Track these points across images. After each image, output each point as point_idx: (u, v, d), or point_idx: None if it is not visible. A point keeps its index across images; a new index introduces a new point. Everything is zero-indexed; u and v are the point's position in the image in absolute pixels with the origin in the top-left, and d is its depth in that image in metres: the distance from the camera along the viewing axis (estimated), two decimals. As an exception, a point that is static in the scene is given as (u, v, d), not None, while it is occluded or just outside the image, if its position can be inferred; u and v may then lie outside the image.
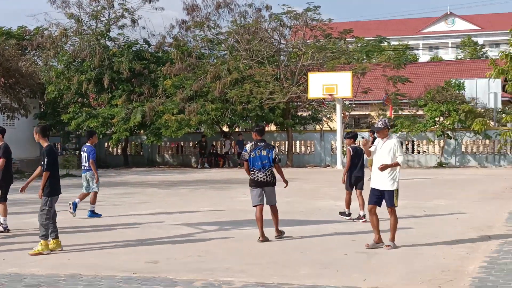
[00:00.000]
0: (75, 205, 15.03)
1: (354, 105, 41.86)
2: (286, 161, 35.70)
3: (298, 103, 39.95)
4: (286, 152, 37.50)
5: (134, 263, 9.71)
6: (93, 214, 15.28)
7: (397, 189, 10.73)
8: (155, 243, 11.62)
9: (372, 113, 48.27)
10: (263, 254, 10.21)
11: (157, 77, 38.18)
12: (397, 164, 10.64)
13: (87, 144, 15.70)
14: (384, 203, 10.81)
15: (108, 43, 40.10)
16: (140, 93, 37.62)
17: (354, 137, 14.74)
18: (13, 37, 38.40)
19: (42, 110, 41.97)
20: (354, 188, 14.50)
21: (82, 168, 15.65)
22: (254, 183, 11.74)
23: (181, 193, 21.45)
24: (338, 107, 34.98)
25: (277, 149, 11.90)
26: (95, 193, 15.43)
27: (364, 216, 13.89)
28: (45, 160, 10.87)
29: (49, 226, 10.76)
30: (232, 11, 38.90)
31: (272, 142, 37.79)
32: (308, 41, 38.54)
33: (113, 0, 39.12)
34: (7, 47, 33.05)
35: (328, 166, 36.71)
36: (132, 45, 40.15)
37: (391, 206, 10.73)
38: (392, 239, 10.75)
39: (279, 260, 9.85)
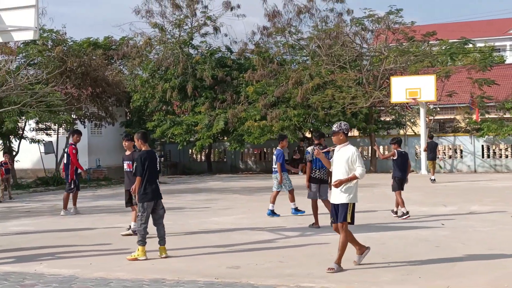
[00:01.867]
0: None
1: (438, 109, 41.17)
2: (369, 167, 35.30)
3: (381, 108, 39.56)
4: (370, 158, 37.10)
5: (216, 268, 9.82)
6: (296, 211, 16.59)
7: (353, 203, 9.62)
8: (237, 249, 11.73)
9: (458, 117, 47.29)
10: (344, 260, 10.17)
11: (239, 83, 38.50)
12: (354, 178, 9.52)
13: (277, 147, 16.84)
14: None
15: (191, 51, 40.70)
16: (222, 100, 37.99)
17: (398, 142, 16.42)
18: (99, 47, 39.43)
19: (128, 118, 42.92)
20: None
21: (273, 169, 16.99)
22: (314, 180, 14.21)
23: (264, 199, 21.46)
24: (422, 111, 34.44)
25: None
26: (290, 191, 16.60)
27: (407, 213, 15.49)
28: (134, 165, 11.12)
29: (146, 232, 10.87)
30: (313, 16, 38.89)
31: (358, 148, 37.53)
32: (390, 44, 38.11)
33: (195, 9, 39.65)
34: (94, 57, 33.94)
35: (413, 171, 36.11)
36: (215, 52, 40.62)
37: (342, 221, 9.56)
38: (338, 261, 9.48)
39: (360, 265, 9.78)
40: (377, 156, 35.32)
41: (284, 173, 16.54)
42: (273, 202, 16.44)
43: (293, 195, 16.68)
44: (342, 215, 9.54)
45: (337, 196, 9.62)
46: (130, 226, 13.41)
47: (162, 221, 11.13)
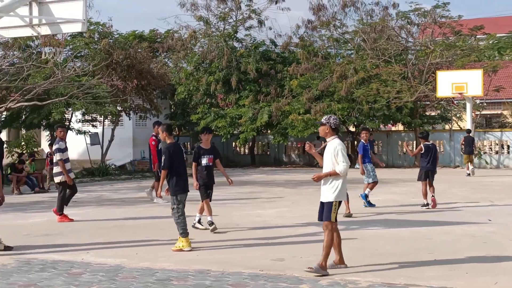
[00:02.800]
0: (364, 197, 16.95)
1: (485, 104, 40.59)
2: (414, 161, 35.01)
3: (426, 102, 39.15)
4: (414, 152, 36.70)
5: (260, 260, 9.83)
6: (369, 204, 16.88)
7: (337, 202, 9.12)
8: (281, 241, 11.72)
9: (505, 112, 46.64)
10: (389, 254, 10.08)
11: (283, 77, 38.46)
12: (334, 174, 9.03)
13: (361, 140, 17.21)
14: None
15: (236, 44, 40.79)
16: (266, 93, 38.01)
17: (425, 136, 17.16)
18: (145, 40, 39.75)
19: (172, 110, 43.24)
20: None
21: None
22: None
23: (307, 192, 21.48)
24: (468, 106, 33.99)
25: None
26: (373, 182, 16.87)
27: (427, 204, 16.46)
28: (162, 158, 11.09)
29: (184, 223, 10.90)
30: (358, 9, 38.73)
31: (400, 142, 37.30)
32: (436, 38, 37.65)
33: (240, 2, 39.75)
34: (139, 50, 34.22)
35: (458, 166, 35.74)
36: (259, 45, 40.63)
37: (326, 220, 9.14)
38: (321, 263, 8.87)
39: (405, 260, 9.68)
40: (405, 151, 35.05)
41: (368, 164, 16.62)
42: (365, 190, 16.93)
43: (372, 187, 16.91)
44: (326, 214, 9.10)
45: (323, 193, 9.19)
46: (199, 219, 13.27)
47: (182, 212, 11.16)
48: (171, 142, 11.25)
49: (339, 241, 9.27)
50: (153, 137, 18.24)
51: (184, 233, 10.85)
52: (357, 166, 16.73)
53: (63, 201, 14.79)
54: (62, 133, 15.00)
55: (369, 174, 16.65)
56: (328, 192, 9.13)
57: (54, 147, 14.85)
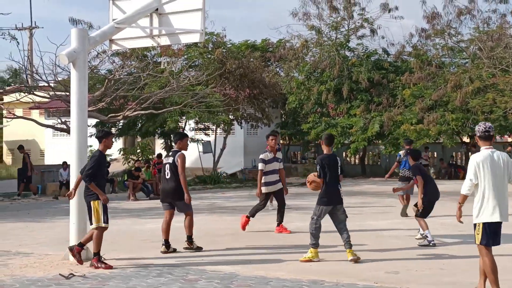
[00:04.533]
0: None
1: None
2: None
3: (547, 112, 37.69)
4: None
5: (374, 272, 9.73)
6: None
7: (481, 223, 8.09)
8: (394, 254, 11.55)
9: None
10: (509, 271, 9.75)
11: (395, 86, 37.96)
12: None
13: None
14: None
15: (347, 53, 40.58)
16: (378, 102, 37.62)
17: None
18: (257, 50, 40.20)
19: (283, 119, 43.48)
20: None
21: None
22: (402, 179, 18.18)
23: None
24: None
25: None
26: None
27: None
28: (317, 167, 10.97)
29: (318, 235, 10.87)
30: (474, 17, 37.76)
31: (517, 154, 36.01)
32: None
33: (352, 11, 39.56)
34: (252, 59, 34.62)
35: None
36: (371, 54, 40.29)
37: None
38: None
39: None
40: None
41: None
42: None
43: None
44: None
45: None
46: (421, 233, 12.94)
47: (343, 225, 10.94)
48: (328, 153, 11.14)
49: (487, 268, 8.08)
50: None
51: (315, 245, 10.83)
52: None
53: (257, 209, 14.61)
54: (273, 141, 14.48)
55: None
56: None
57: (260, 156, 14.34)
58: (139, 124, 33.92)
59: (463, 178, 30.20)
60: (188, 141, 13.21)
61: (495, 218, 8.02)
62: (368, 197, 24.54)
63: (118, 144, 38.30)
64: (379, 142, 39.35)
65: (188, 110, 29.40)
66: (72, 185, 10.92)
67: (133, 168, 27.27)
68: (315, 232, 10.84)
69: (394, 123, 35.71)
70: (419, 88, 36.41)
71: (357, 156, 41.75)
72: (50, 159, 42.57)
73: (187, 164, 29.83)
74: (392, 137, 36.05)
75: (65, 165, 25.99)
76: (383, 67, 38.81)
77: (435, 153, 39.71)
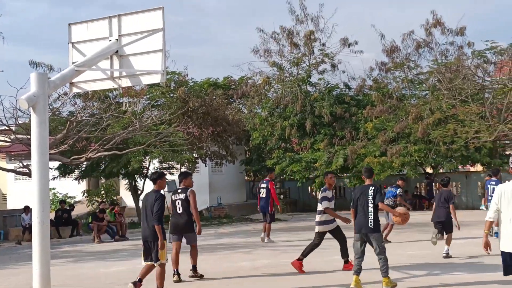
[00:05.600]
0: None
1: None
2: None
3: (506, 141, 38.27)
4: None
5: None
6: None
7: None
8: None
9: None
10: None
11: (358, 120, 38.28)
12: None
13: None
14: None
15: (309, 88, 40.85)
16: (341, 136, 37.86)
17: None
18: (219, 87, 40.29)
19: (247, 156, 43.51)
20: None
21: (490, 197, 18.57)
22: None
23: (391, 237, 21.12)
24: (551, 144, 33.07)
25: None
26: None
27: None
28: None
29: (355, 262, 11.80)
30: (432, 50, 38.32)
31: (479, 183, 36.46)
32: (514, 76, 36.85)
33: (313, 47, 39.90)
34: (214, 97, 34.67)
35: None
36: (333, 89, 40.64)
37: None
38: None
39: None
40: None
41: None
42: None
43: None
44: None
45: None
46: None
47: (376, 253, 11.59)
48: (368, 183, 11.94)
49: None
50: (273, 182, 21.47)
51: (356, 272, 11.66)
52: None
53: (310, 249, 14.24)
54: (332, 179, 14.37)
55: None
56: None
57: (320, 195, 14.21)
58: (103, 165, 33.60)
59: (428, 208, 30.35)
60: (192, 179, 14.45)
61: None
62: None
63: (81, 186, 37.93)
64: (344, 175, 39.53)
65: (152, 150, 29.25)
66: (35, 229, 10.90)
67: (97, 210, 26.98)
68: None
69: (357, 156, 35.92)
70: (381, 121, 36.75)
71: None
72: (13, 203, 41.93)
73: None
74: (356, 170, 36.20)
75: (27, 210, 25.65)
76: (345, 101, 39.15)
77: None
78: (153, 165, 34.33)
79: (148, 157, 32.02)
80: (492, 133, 33.98)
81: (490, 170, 25.64)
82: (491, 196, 18.23)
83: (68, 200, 35.98)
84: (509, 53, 35.81)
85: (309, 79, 40.64)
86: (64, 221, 27.61)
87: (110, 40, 12.08)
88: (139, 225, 30.21)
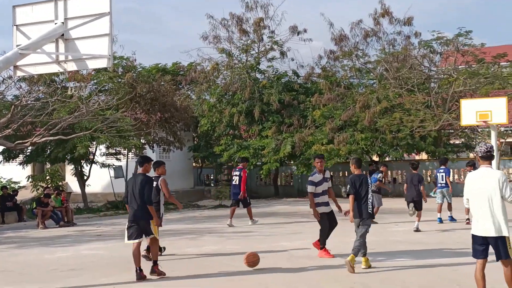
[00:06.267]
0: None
1: (510, 132, 40.27)
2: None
3: (450, 131, 38.92)
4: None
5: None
6: (452, 219, 20.77)
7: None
8: (307, 274, 11.64)
9: (530, 140, 46.15)
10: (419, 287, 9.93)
11: (306, 107, 38.47)
12: None
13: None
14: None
15: (258, 75, 40.88)
16: (289, 124, 38.02)
17: (472, 165, 19.89)
18: (168, 73, 40.01)
19: (195, 142, 43.41)
20: None
21: (439, 185, 21.36)
22: None
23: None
24: (493, 134, 33.65)
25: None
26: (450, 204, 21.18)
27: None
28: (347, 186, 12.43)
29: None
30: (380, 39, 38.66)
31: (424, 171, 37.03)
32: (459, 67, 37.48)
33: (262, 34, 39.90)
34: (163, 83, 34.43)
35: None
36: (281, 76, 40.74)
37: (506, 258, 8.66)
38: None
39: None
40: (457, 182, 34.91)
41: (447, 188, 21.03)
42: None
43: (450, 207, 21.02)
44: (505, 250, 8.56)
45: (493, 226, 8.51)
46: None
47: (361, 234, 12.30)
48: (358, 173, 12.60)
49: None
50: (245, 170, 22.28)
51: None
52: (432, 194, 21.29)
53: (324, 234, 14.20)
54: (319, 163, 14.09)
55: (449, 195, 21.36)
56: (505, 224, 8.47)
57: (309, 178, 14.02)
58: (48, 151, 33.13)
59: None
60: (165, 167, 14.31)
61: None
62: (281, 217, 24.66)
63: (26, 171, 37.34)
64: (291, 162, 39.73)
65: (99, 135, 28.93)
66: None
67: (42, 195, 26.60)
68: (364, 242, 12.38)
69: (305, 144, 36.11)
70: (328, 109, 37.00)
71: (270, 177, 41.89)
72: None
73: (98, 189, 29.35)
74: (304, 157, 36.40)
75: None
76: (294, 88, 39.29)
77: (346, 172, 40.33)
78: (100, 150, 34.04)
79: (94, 143, 31.70)
80: (437, 122, 34.53)
81: (439, 159, 27.26)
82: (440, 184, 19.93)
83: (12, 185, 35.37)
84: (454, 44, 36.36)
85: (258, 66, 40.67)
86: (7, 207, 27.14)
87: (55, 23, 11.91)
88: (85, 211, 30.06)
